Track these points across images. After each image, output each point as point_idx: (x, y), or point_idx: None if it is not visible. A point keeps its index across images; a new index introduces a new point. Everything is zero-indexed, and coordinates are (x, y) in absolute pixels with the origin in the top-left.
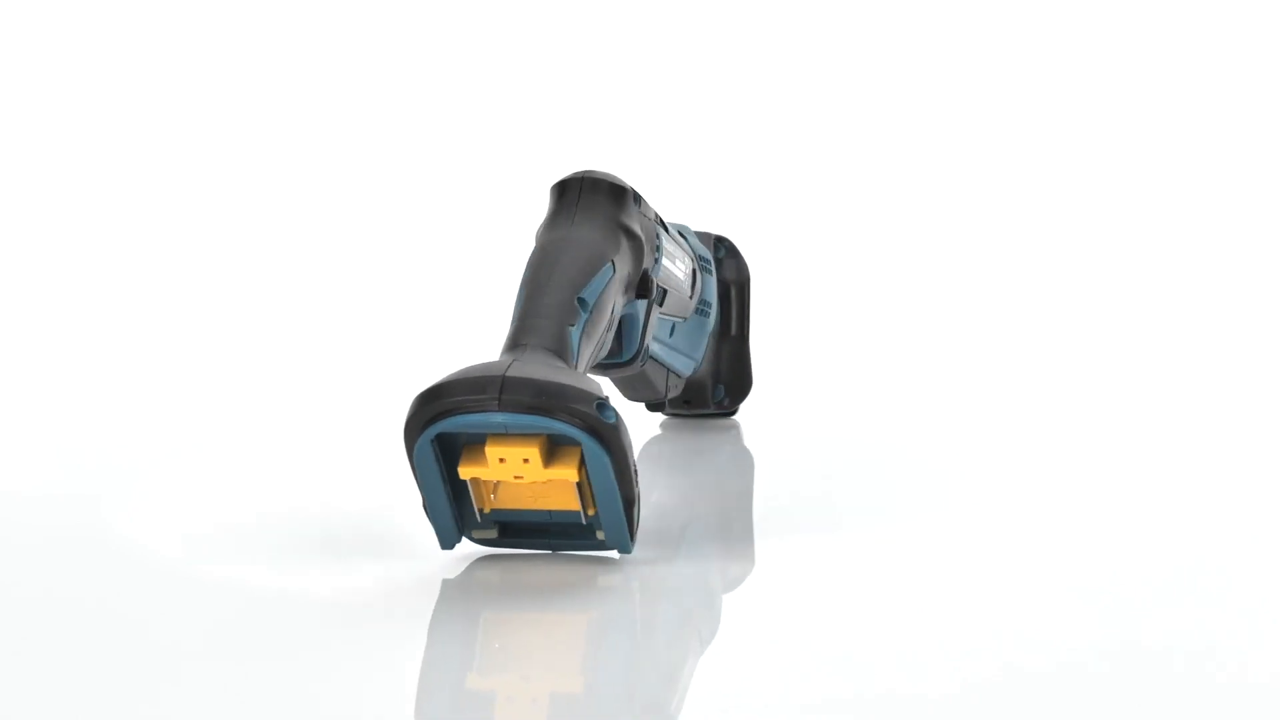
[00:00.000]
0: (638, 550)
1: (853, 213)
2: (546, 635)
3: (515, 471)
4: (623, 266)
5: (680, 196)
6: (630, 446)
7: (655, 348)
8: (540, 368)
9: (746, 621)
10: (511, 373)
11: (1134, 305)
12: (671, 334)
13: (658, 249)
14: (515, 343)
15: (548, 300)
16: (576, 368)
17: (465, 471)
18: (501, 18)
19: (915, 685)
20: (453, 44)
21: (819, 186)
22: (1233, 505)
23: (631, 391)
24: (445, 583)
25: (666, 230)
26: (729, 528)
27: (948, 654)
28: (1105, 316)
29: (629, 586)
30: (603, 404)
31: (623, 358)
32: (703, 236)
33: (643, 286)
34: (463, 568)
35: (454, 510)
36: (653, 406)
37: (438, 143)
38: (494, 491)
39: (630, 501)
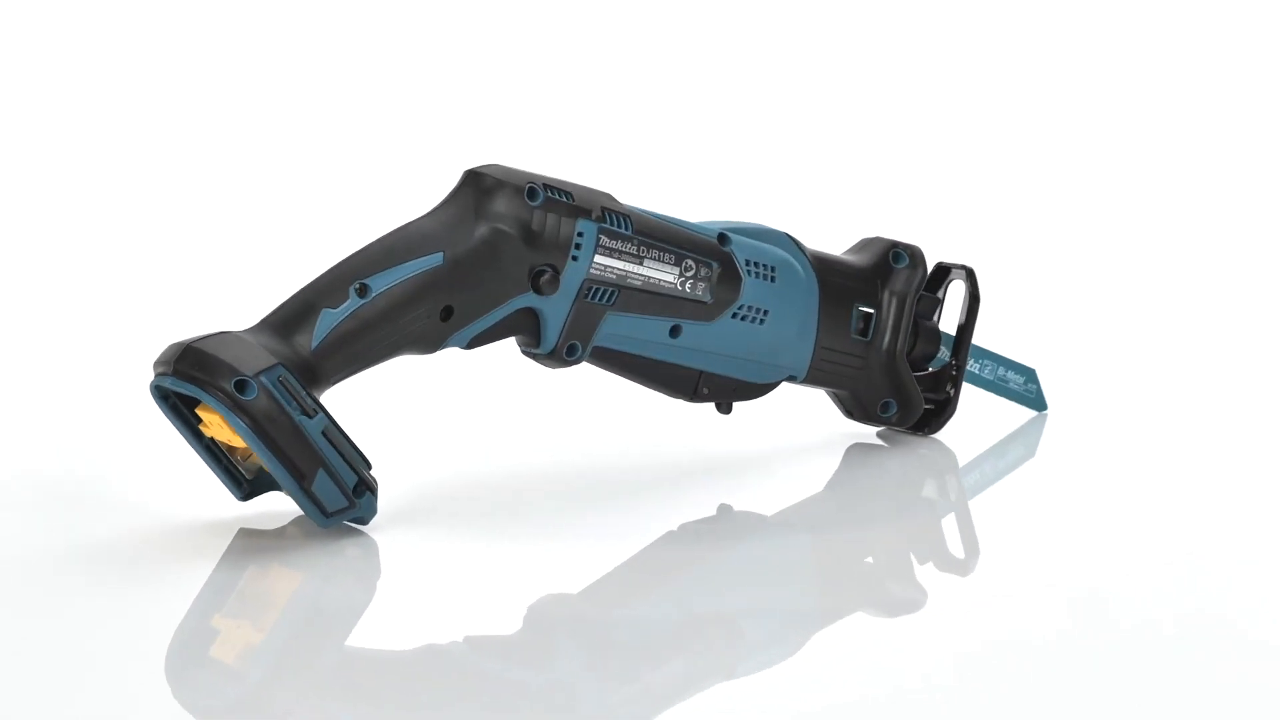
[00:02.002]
0: (398, 524)
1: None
2: (280, 589)
3: (227, 435)
4: (472, 260)
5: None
6: (283, 424)
7: (648, 349)
8: (232, 341)
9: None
10: (198, 343)
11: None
12: (676, 335)
13: (578, 246)
14: (263, 317)
15: (318, 282)
16: (323, 347)
17: (205, 430)
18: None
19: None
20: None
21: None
22: None
23: (659, 390)
24: (245, 531)
25: (627, 229)
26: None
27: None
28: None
29: (367, 555)
30: (243, 381)
31: (540, 350)
32: (870, 243)
33: (533, 281)
34: (284, 523)
35: (221, 465)
36: (721, 409)
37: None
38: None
39: (301, 475)
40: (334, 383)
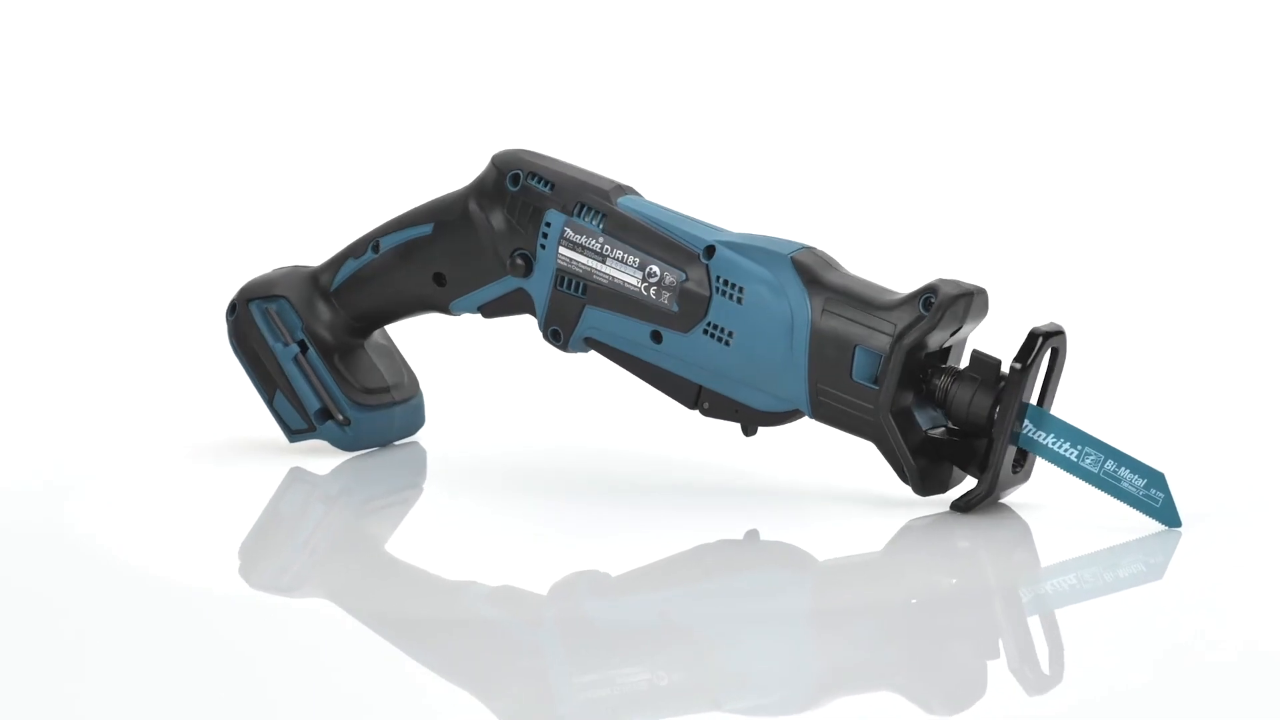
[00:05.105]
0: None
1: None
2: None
3: None
4: (452, 235)
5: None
6: (249, 346)
7: (640, 351)
8: (280, 273)
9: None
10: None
11: None
12: (658, 341)
13: (545, 235)
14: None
15: (360, 237)
16: (338, 289)
17: None
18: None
19: None
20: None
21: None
22: None
23: (664, 394)
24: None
25: (595, 226)
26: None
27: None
28: None
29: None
30: (233, 304)
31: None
32: (965, 290)
33: (508, 263)
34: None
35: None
36: (745, 431)
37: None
38: None
39: (262, 391)
40: (361, 321)
